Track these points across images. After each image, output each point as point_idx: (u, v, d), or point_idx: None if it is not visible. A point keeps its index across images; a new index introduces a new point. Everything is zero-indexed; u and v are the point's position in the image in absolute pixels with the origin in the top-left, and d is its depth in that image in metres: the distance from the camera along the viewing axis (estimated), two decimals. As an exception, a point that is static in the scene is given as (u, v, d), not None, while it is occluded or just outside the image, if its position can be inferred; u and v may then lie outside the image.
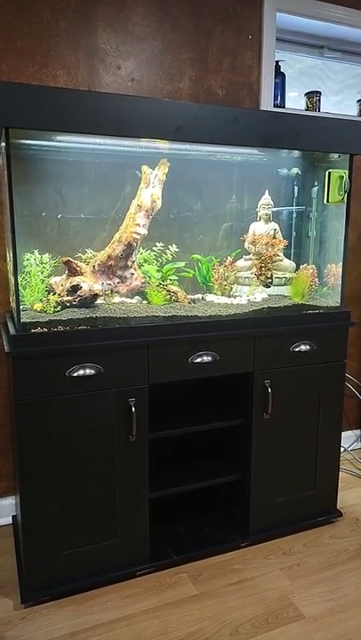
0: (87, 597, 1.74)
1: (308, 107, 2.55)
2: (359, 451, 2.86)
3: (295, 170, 2.27)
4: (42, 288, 1.83)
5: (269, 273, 2.09)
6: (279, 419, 1.96)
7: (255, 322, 1.86)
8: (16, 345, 1.56)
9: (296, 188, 2.31)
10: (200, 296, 2.09)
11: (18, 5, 1.90)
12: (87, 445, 1.69)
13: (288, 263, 2.18)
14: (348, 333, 2.03)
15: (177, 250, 2.07)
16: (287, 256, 2.23)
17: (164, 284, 1.97)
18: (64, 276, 1.86)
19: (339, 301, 2.05)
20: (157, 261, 2.06)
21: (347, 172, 1.97)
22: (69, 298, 1.78)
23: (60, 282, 1.84)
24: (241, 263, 2.15)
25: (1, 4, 1.88)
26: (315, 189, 2.22)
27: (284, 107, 2.48)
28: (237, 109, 1.75)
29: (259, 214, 2.18)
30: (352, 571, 1.89)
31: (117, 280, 1.94)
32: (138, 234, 1.91)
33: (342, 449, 2.77)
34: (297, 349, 1.93)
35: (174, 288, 1.97)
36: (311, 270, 2.11)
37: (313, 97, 2.53)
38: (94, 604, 1.72)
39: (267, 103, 2.34)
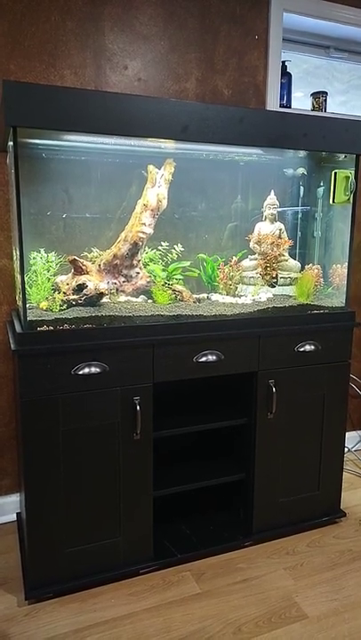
0: (91, 595, 1.75)
1: (314, 107, 2.54)
2: (363, 451, 2.86)
3: (301, 170, 2.27)
4: (48, 287, 1.84)
5: (274, 273, 2.10)
6: (283, 418, 1.96)
7: (260, 321, 1.86)
8: (22, 343, 1.57)
9: (302, 188, 2.31)
10: (205, 295, 2.10)
11: (25, 6, 1.91)
12: (92, 443, 1.70)
13: (293, 263, 2.18)
14: (353, 334, 2.03)
15: (182, 249, 2.07)
16: (292, 256, 2.23)
17: (170, 283, 1.97)
18: (70, 274, 1.86)
19: (344, 302, 2.05)
20: (163, 261, 2.07)
21: (353, 172, 1.97)
22: (75, 296, 1.79)
23: (66, 280, 1.85)
24: (246, 263, 2.15)
25: (9, 4, 1.89)
26: (321, 190, 2.22)
27: (290, 107, 2.48)
28: (244, 109, 1.75)
29: (264, 214, 2.19)
30: (355, 571, 1.89)
31: (123, 279, 1.94)
32: (143, 233, 1.91)
33: (346, 449, 2.76)
34: (301, 349, 1.93)
35: (179, 287, 1.98)
36: (316, 270, 2.11)
37: (319, 97, 2.53)
38: (98, 601, 1.72)
39: (273, 103, 2.34)
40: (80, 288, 1.79)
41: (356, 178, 1.97)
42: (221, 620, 1.65)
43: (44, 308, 1.76)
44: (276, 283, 2.11)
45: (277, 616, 1.67)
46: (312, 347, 1.95)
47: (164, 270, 2.01)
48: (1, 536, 2.07)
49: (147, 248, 2.04)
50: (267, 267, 2.08)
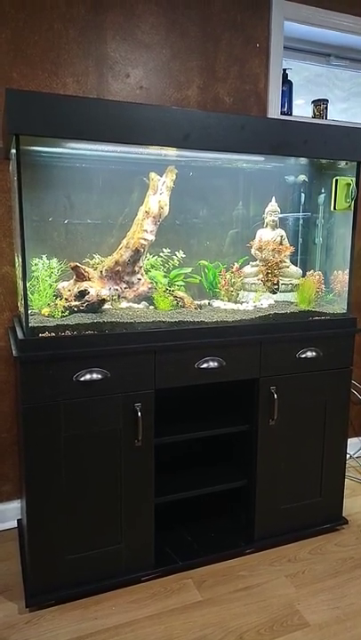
0: (92, 602, 1.74)
1: (315, 114, 2.56)
2: (365, 458, 2.85)
3: (302, 177, 2.28)
4: (50, 293, 1.84)
5: (276, 279, 2.10)
6: (285, 425, 1.96)
7: (261, 328, 1.86)
8: (24, 349, 1.58)
9: (303, 195, 2.32)
10: (207, 302, 2.10)
11: (28, 14, 1.92)
12: (93, 450, 1.69)
13: (294, 269, 2.18)
14: (354, 340, 2.03)
15: (184, 256, 2.08)
16: (294, 262, 2.24)
17: (171, 289, 1.98)
18: (72, 281, 1.87)
19: (345, 308, 2.05)
20: (164, 267, 2.07)
21: (354, 179, 1.97)
22: (77, 303, 1.80)
23: (68, 287, 1.86)
24: (247, 269, 2.16)
25: (12, 12, 1.90)
26: (322, 196, 2.23)
27: (291, 114, 2.49)
28: (245, 117, 1.77)
29: (265, 221, 2.19)
30: (358, 579, 1.88)
31: (125, 285, 1.95)
32: (145, 240, 1.92)
33: (348, 456, 2.76)
34: (303, 356, 1.93)
35: (181, 294, 1.98)
36: (318, 277, 2.11)
37: (320, 104, 2.54)
38: (99, 608, 1.72)
39: (274, 111, 2.35)
40: (82, 294, 1.80)
41: (357, 185, 1.98)
42: (223, 628, 1.64)
43: (46, 314, 1.76)
44: (277, 289, 2.11)
45: (279, 624, 1.66)
46: (314, 353, 1.95)
47: (165, 277, 2.01)
48: (2, 543, 2.07)
49: (148, 254, 2.05)
50: (268, 273, 2.09)
